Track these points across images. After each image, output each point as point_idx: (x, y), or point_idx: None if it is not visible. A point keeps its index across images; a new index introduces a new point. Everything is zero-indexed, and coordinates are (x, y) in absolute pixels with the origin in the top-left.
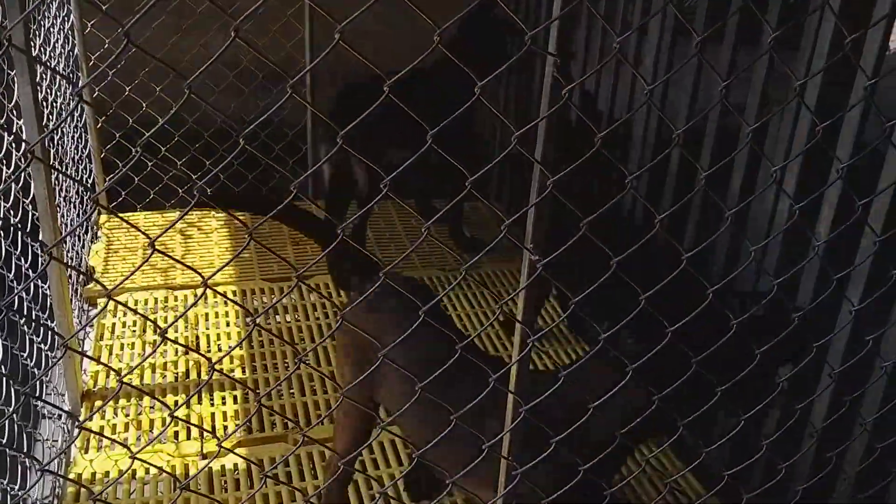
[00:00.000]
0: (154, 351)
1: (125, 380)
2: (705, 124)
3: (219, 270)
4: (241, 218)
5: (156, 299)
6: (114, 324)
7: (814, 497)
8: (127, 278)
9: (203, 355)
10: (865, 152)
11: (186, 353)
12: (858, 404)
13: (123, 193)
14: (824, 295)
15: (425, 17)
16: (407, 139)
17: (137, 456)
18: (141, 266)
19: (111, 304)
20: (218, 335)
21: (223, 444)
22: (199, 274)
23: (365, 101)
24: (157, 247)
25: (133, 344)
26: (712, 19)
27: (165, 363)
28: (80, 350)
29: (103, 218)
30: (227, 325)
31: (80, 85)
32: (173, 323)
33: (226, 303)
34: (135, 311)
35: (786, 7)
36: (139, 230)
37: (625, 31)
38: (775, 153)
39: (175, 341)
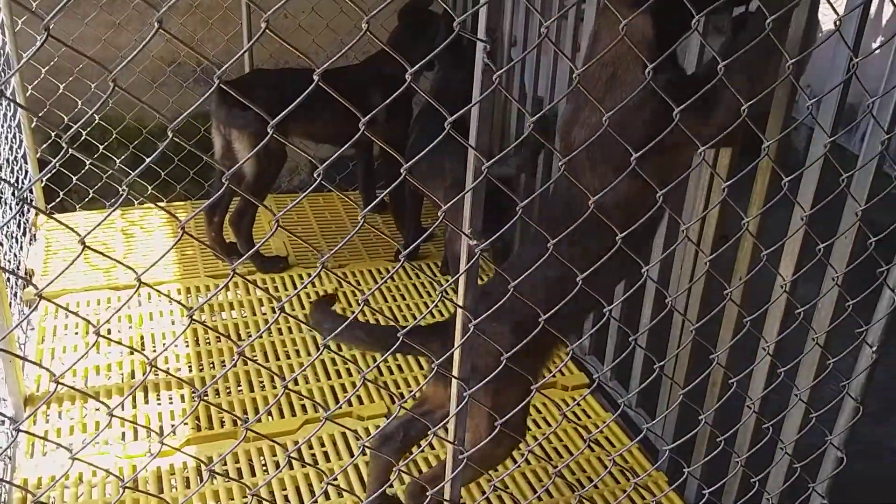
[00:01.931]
0: (88, 351)
1: (61, 380)
2: None
3: (152, 266)
4: (177, 215)
5: (98, 300)
6: (55, 326)
7: (754, 468)
8: (58, 276)
9: (142, 354)
10: (790, 129)
11: (132, 353)
12: (793, 376)
13: (62, 193)
14: (753, 271)
15: (356, 6)
16: (314, 130)
17: (79, 457)
18: (72, 263)
19: (53, 305)
20: (163, 334)
21: (168, 442)
22: (134, 270)
23: (261, 89)
24: (96, 245)
25: (76, 346)
26: None
27: (110, 364)
28: (16, 353)
29: (41, 219)
30: (173, 323)
31: (10, 83)
32: (108, 319)
33: (171, 301)
34: (67, 310)
35: None
36: (70, 228)
37: (562, 19)
38: None
39: (112, 339)
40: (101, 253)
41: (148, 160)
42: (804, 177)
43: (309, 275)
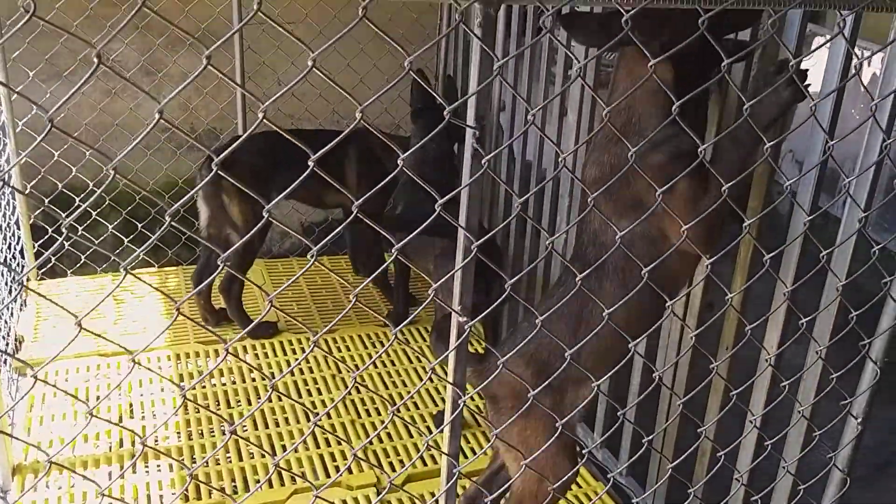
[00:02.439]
0: (80, 433)
1: (55, 460)
2: None
3: (147, 346)
4: (166, 292)
5: (88, 367)
6: (44, 394)
7: None
8: (52, 359)
9: (132, 431)
10: (769, 208)
11: (120, 420)
12: (781, 446)
13: (53, 259)
14: (740, 343)
15: (349, 95)
16: (298, 193)
17: None
18: (69, 344)
19: (42, 373)
20: (152, 401)
21: None
22: (128, 351)
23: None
24: (87, 316)
25: (65, 414)
26: None
27: (98, 433)
28: (7, 431)
29: (32, 285)
30: (162, 390)
31: (4, 151)
32: (101, 401)
33: (159, 367)
34: (55, 387)
35: None
36: (67, 310)
37: (549, 83)
38: None
39: (103, 418)
40: (96, 334)
41: (154, 237)
42: (786, 253)
43: (299, 341)
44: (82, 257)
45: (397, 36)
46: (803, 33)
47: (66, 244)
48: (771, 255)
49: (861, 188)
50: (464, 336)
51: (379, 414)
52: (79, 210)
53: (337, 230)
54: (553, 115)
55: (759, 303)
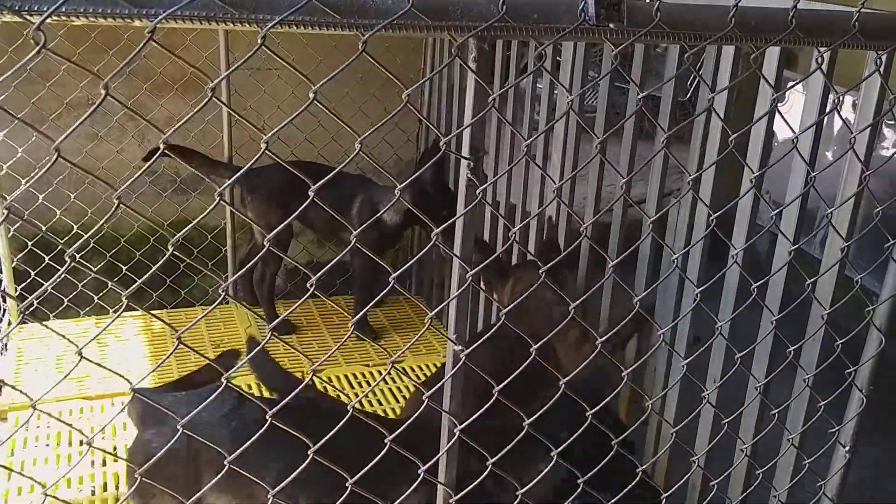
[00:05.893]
0: (62, 476)
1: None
2: (610, 217)
3: (147, 375)
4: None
5: (70, 410)
6: (25, 438)
7: None
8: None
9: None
10: (757, 237)
11: (104, 465)
12: (771, 477)
13: (35, 302)
14: (727, 375)
15: (349, 127)
16: (309, 215)
17: None
18: (66, 375)
19: (23, 416)
20: None
21: None
22: (128, 380)
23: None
24: (70, 355)
25: (47, 459)
26: (611, 121)
27: (82, 477)
28: None
29: (13, 329)
30: None
31: None
32: (95, 433)
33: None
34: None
35: (680, 109)
36: (74, 342)
37: (532, 129)
38: (674, 243)
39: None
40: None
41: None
42: (771, 283)
43: None
44: (65, 300)
45: (384, 80)
46: (780, 78)
47: (49, 287)
48: (757, 283)
49: (842, 221)
50: (458, 366)
51: None
52: (63, 252)
53: (333, 261)
54: (538, 157)
55: (742, 338)
